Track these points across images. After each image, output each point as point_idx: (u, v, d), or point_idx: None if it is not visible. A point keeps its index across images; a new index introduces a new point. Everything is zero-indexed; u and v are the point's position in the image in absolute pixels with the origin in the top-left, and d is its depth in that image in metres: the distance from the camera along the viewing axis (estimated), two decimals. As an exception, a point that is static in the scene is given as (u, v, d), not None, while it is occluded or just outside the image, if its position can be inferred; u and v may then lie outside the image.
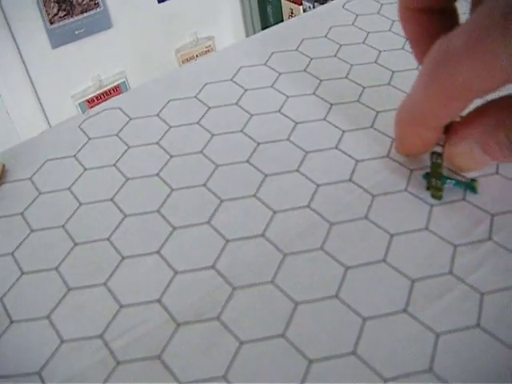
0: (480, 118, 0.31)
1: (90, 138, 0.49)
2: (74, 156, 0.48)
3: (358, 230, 0.40)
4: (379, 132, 0.46)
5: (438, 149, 0.40)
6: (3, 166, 0.47)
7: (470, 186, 0.41)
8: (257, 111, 0.50)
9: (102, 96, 1.92)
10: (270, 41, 0.58)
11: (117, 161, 0.47)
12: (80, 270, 0.39)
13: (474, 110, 0.31)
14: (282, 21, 2.16)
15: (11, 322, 0.37)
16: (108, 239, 0.41)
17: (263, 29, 2.03)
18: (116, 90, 1.94)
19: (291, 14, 2.08)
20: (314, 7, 2.04)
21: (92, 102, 1.94)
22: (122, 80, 1.94)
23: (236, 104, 0.51)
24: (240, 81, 0.53)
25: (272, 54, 0.56)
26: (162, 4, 1.95)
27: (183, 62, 1.97)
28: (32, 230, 0.42)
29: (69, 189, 0.45)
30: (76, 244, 0.41)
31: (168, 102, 0.52)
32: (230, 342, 0.34)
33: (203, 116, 0.50)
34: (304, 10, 2.03)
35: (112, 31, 1.85)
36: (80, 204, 0.44)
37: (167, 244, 0.40)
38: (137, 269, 0.39)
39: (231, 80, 0.54)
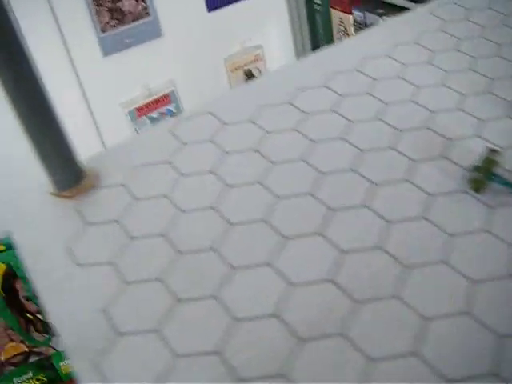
0: None
1: (183, 143, 0.47)
2: (169, 161, 0.46)
3: (479, 245, 0.38)
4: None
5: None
6: (95, 172, 0.46)
7: None
8: (356, 117, 0.48)
9: (152, 104, 1.93)
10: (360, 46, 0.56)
11: (214, 167, 0.45)
12: (187, 281, 0.37)
13: None
14: (331, 30, 2.14)
15: (119, 334, 0.35)
16: (213, 249, 0.39)
17: (312, 38, 2.01)
18: (165, 99, 1.93)
19: (340, 23, 2.06)
20: (364, 17, 2.02)
21: (141, 110, 1.94)
22: (171, 88, 1.94)
23: (332, 110, 0.49)
24: (335, 86, 0.51)
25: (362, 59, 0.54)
26: (212, 13, 1.95)
27: (232, 71, 1.96)
28: (132, 238, 0.41)
29: (166, 196, 0.43)
30: (180, 253, 0.39)
31: (259, 106, 0.50)
32: (359, 359, 0.32)
33: (299, 122, 0.48)
34: (354, 20, 2.01)
35: (162, 40, 1.85)
36: (181, 211, 0.42)
37: (279, 255, 0.38)
38: (248, 280, 0.37)
39: (324, 86, 0.52)
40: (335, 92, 0.51)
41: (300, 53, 2.02)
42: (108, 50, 1.84)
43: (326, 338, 0.33)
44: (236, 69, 2.02)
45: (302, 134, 0.47)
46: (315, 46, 1.96)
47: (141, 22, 1.86)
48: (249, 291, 0.36)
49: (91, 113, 1.86)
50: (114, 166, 0.46)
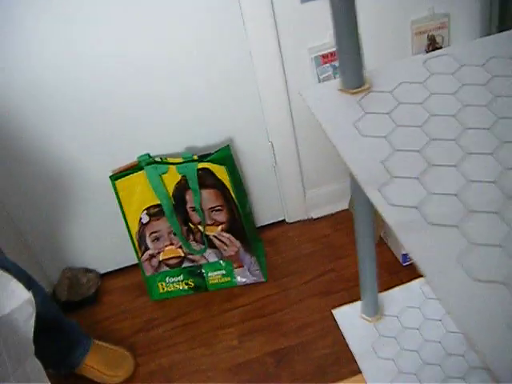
0: None
1: (432, 73, 0.67)
2: (422, 83, 0.66)
3: None
4: None
5: None
6: (371, 80, 0.67)
7: None
8: None
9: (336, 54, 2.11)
10: None
11: (455, 92, 0.64)
12: (440, 155, 0.57)
13: None
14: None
15: (393, 176, 0.56)
16: (453, 140, 0.59)
17: (500, 13, 2.06)
18: (350, 50, 2.11)
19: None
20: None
21: (326, 58, 2.13)
22: (357, 41, 2.12)
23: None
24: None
25: None
26: (406, -25, 2.06)
27: (416, 35, 2.10)
28: (398, 126, 0.62)
29: (421, 104, 0.64)
30: (432, 140, 0.59)
31: (490, 58, 0.68)
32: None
33: (524, 74, 0.66)
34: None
35: (357, -4, 2.02)
36: (433, 115, 0.62)
37: None
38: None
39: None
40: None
41: (485, 27, 2.09)
42: (307, -2, 2.04)
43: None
44: (421, 33, 2.14)
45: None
46: (502, 22, 2.01)
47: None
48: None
49: (281, 52, 2.09)
50: (384, 79, 0.68)
